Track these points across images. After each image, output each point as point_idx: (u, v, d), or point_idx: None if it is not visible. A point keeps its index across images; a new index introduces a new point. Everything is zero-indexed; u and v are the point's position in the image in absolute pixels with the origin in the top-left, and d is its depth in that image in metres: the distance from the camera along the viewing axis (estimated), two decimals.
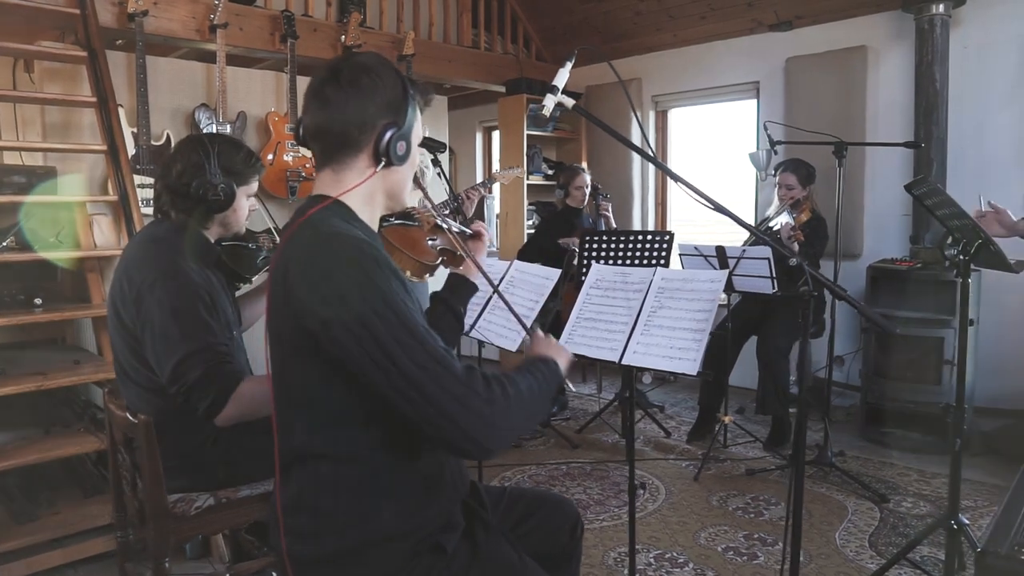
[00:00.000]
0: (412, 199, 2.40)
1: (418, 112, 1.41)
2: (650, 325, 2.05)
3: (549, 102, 1.81)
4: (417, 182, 1.72)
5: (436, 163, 3.57)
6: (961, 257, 2.29)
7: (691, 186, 1.73)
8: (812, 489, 3.31)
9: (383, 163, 1.34)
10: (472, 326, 2.57)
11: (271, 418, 1.34)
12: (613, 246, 3.87)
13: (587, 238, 3.88)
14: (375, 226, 1.41)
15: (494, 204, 6.09)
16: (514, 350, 2.50)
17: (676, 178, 1.78)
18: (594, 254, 3.86)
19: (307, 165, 4.31)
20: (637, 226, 5.57)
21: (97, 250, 3.17)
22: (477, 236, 1.99)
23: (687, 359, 1.93)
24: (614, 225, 4.60)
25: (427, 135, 4.83)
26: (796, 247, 3.58)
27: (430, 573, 1.29)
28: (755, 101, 4.96)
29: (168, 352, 1.81)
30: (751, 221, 4.33)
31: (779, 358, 3.78)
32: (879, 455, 3.76)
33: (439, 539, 1.31)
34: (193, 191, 1.97)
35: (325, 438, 1.26)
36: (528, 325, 2.07)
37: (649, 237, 3.90)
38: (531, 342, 1.55)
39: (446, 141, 5.73)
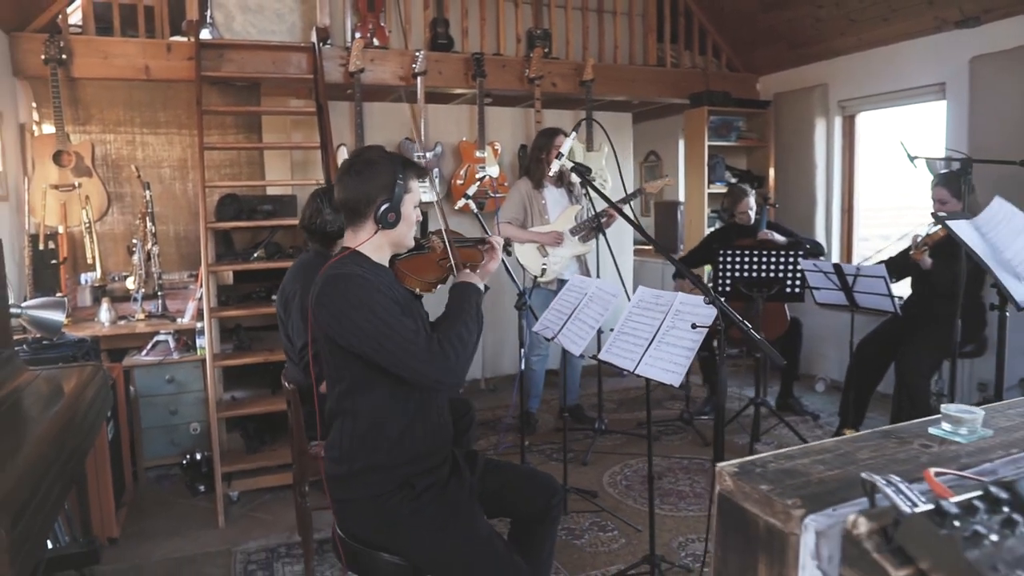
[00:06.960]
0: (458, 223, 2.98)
1: (412, 185, 1.98)
2: (661, 342, 2.43)
3: (555, 166, 2.28)
4: (441, 210, 2.25)
5: (584, 185, 4.06)
6: None
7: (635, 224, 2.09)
8: None
9: (380, 227, 1.95)
10: (557, 333, 3.10)
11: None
12: (747, 260, 4.08)
13: (722, 253, 4.11)
14: (386, 263, 2.02)
15: (683, 209, 6.39)
16: (578, 355, 2.99)
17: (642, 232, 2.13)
18: (728, 271, 4.10)
19: (493, 185, 5.04)
20: (820, 233, 5.51)
21: None
22: (491, 247, 2.31)
23: (676, 372, 2.30)
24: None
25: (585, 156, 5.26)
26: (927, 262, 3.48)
27: (401, 500, 1.90)
28: (944, 102, 4.67)
29: (298, 338, 2.66)
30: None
31: (919, 379, 3.68)
32: None
33: (412, 479, 1.92)
34: (317, 227, 2.80)
35: (347, 401, 1.93)
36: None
37: (781, 253, 4.04)
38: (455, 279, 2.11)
39: (631, 154, 6.17)
